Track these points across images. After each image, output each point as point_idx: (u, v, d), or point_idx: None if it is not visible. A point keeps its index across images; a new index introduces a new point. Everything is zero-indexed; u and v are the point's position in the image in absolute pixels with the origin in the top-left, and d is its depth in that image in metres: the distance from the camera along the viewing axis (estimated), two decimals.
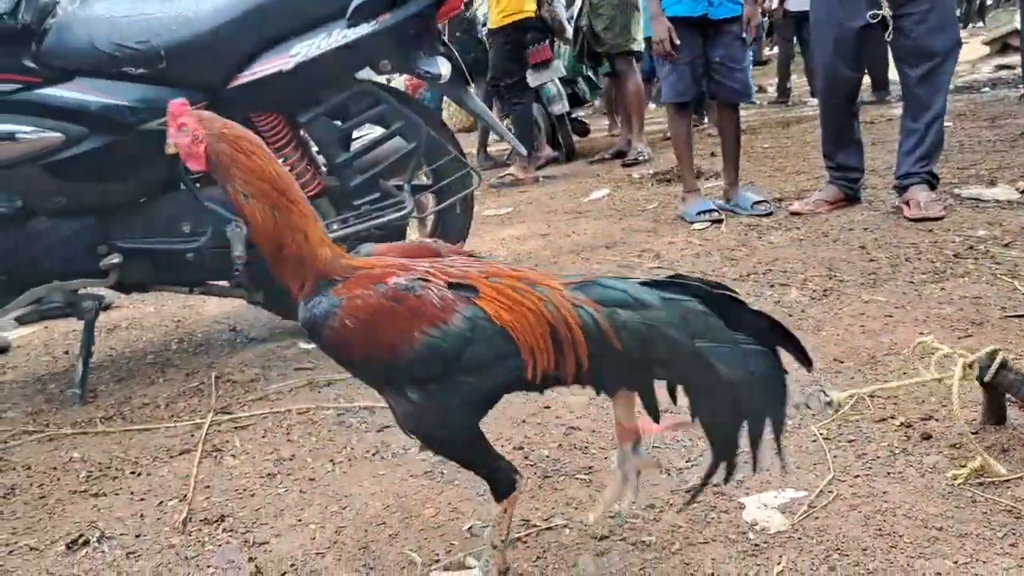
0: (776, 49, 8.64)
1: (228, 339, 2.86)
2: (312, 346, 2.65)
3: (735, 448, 1.18)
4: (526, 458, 1.78)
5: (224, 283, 2.61)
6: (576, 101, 6.75)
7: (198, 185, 2.53)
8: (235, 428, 2.11)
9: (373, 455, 1.88)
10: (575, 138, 6.55)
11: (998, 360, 1.54)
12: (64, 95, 2.28)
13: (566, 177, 5.62)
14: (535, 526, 1.51)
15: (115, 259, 2.39)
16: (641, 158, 5.63)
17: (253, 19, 2.33)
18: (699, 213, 3.72)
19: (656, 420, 1.23)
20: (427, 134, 2.59)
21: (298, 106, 2.48)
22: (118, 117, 2.29)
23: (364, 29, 2.37)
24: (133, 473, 1.92)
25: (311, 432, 2.04)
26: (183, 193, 2.49)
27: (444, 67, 2.53)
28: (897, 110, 3.94)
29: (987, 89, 6.93)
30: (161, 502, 1.77)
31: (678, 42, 3.58)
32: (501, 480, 1.28)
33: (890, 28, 3.17)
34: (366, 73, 2.75)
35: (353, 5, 2.35)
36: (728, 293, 1.17)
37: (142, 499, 1.79)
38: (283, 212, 1.17)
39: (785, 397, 1.16)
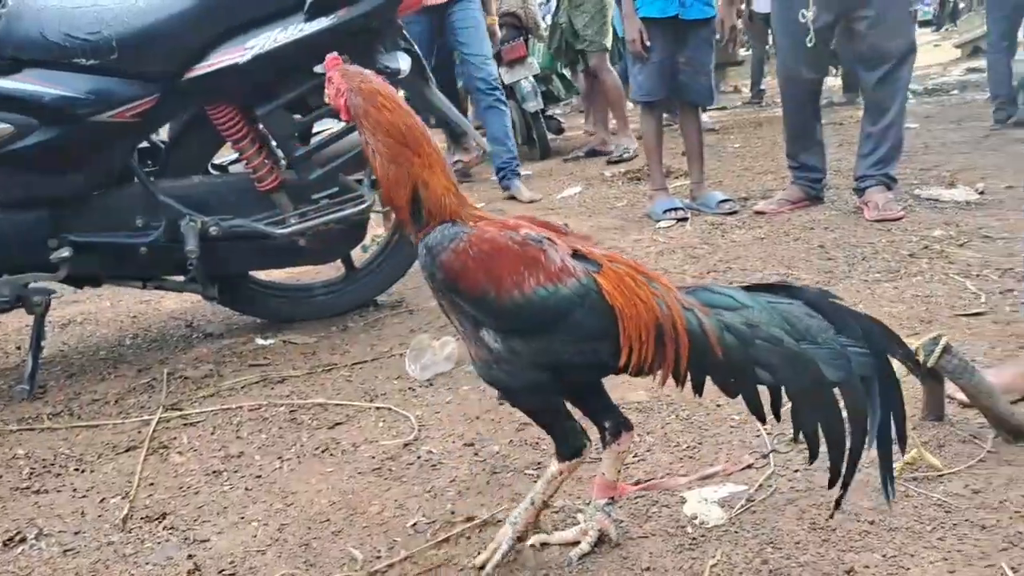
0: (751, 51, 8.68)
1: (183, 335, 2.82)
2: (269, 342, 2.63)
3: (843, 455, 1.16)
4: (476, 454, 1.78)
5: (179, 278, 2.57)
6: (551, 99, 6.74)
7: (152, 178, 2.50)
8: (184, 425, 2.08)
9: (322, 452, 1.87)
10: (550, 136, 6.54)
11: (941, 344, 1.55)
12: (14, 86, 2.24)
13: (540, 175, 5.61)
14: (476, 519, 1.50)
15: (65, 252, 2.35)
16: (626, 155, 5.60)
17: (207, 10, 2.31)
18: (665, 211, 3.74)
19: (762, 422, 1.23)
20: None
21: (255, 99, 2.45)
22: (69, 108, 2.25)
23: (322, 23, 2.35)
24: (77, 470, 1.89)
25: (261, 429, 2.02)
26: (136, 186, 2.46)
27: (404, 62, 2.52)
28: None
29: (956, 92, 7.02)
30: (103, 499, 1.75)
31: (649, 43, 3.60)
32: (568, 443, 1.30)
33: (811, 33, 3.21)
34: None
35: None
36: (835, 299, 1.18)
37: (84, 496, 1.77)
38: (402, 164, 1.22)
39: (896, 404, 1.14)
